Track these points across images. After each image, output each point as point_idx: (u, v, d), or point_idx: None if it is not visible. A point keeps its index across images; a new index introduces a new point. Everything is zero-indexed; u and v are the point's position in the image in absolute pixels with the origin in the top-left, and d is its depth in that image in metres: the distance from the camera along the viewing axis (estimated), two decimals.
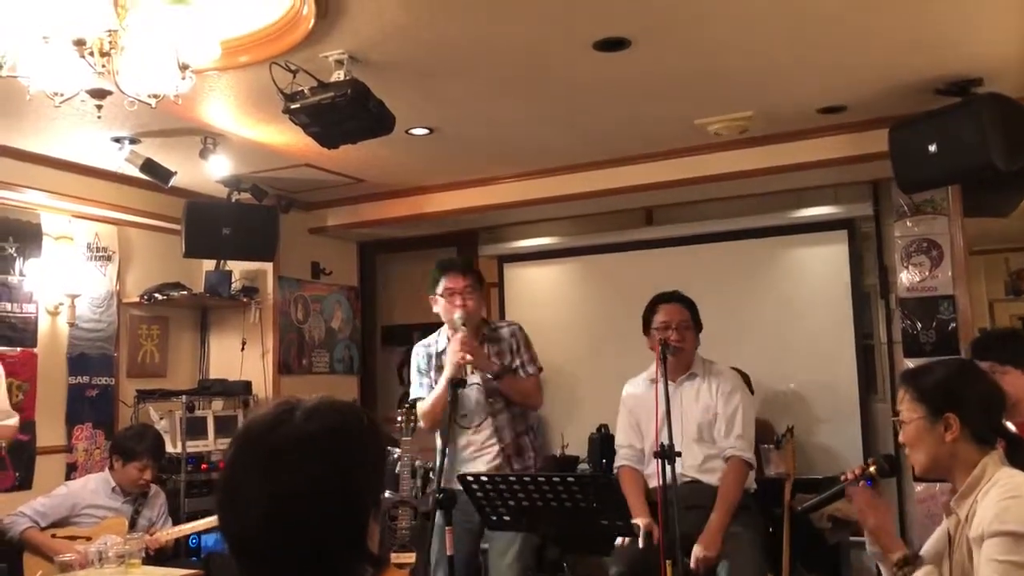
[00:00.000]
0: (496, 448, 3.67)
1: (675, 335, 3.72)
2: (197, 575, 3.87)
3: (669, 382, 3.71)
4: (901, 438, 2.23)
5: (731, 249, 5.46)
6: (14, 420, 3.98)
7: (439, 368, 3.73)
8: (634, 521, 3.34)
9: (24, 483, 4.62)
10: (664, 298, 3.90)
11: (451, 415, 3.63)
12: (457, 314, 3.61)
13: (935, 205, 4.80)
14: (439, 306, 3.74)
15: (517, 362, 3.75)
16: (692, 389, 3.78)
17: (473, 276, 3.73)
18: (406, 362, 6.54)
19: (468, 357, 3.52)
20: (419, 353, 3.88)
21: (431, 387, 3.76)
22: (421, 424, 3.88)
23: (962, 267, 4.70)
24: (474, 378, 3.65)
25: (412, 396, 3.91)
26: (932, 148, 3.84)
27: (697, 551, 3.41)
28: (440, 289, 3.71)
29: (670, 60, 3.63)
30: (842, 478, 2.29)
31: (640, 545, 3.42)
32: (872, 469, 2.24)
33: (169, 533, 4.24)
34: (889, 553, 2.15)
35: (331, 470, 1.24)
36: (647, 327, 3.88)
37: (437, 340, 3.83)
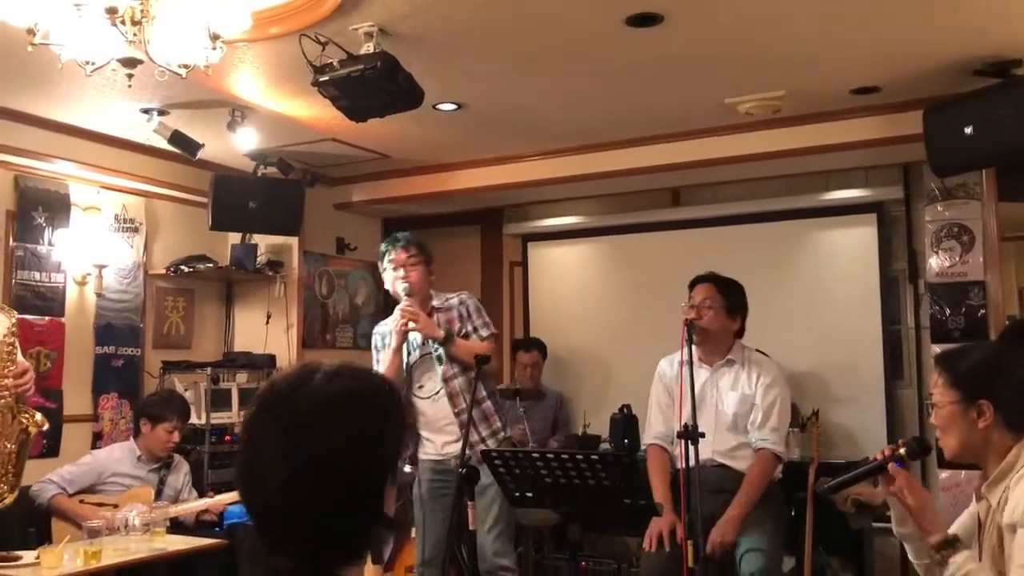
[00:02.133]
0: (450, 412, 3.72)
1: (694, 312, 3.67)
2: (220, 544, 3.91)
3: (706, 366, 3.70)
4: (933, 420, 2.20)
5: (758, 231, 5.41)
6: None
7: (389, 341, 3.81)
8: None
9: (51, 451, 4.67)
10: (699, 278, 3.83)
11: (408, 387, 3.74)
12: (402, 286, 3.71)
13: (967, 189, 4.73)
14: (387, 281, 3.84)
15: (468, 327, 3.80)
16: (730, 376, 3.69)
17: (416, 248, 3.81)
18: None
19: (411, 324, 3.64)
20: (377, 332, 3.94)
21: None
22: None
23: (994, 253, 4.63)
24: (426, 349, 3.75)
25: None
26: (968, 130, 3.77)
27: (714, 535, 3.40)
28: (385, 262, 3.82)
29: (703, 37, 3.58)
30: (871, 458, 2.26)
31: (666, 548, 3.41)
32: (902, 451, 2.21)
33: (210, 502, 4.26)
34: (928, 534, 2.12)
35: (351, 432, 1.24)
36: None
37: (394, 319, 3.85)
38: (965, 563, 2.03)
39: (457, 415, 3.69)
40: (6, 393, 3.46)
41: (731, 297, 3.73)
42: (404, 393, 3.71)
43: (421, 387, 3.78)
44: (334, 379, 1.27)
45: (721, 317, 3.69)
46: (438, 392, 3.74)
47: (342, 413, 1.25)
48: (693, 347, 3.62)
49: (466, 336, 3.77)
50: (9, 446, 3.39)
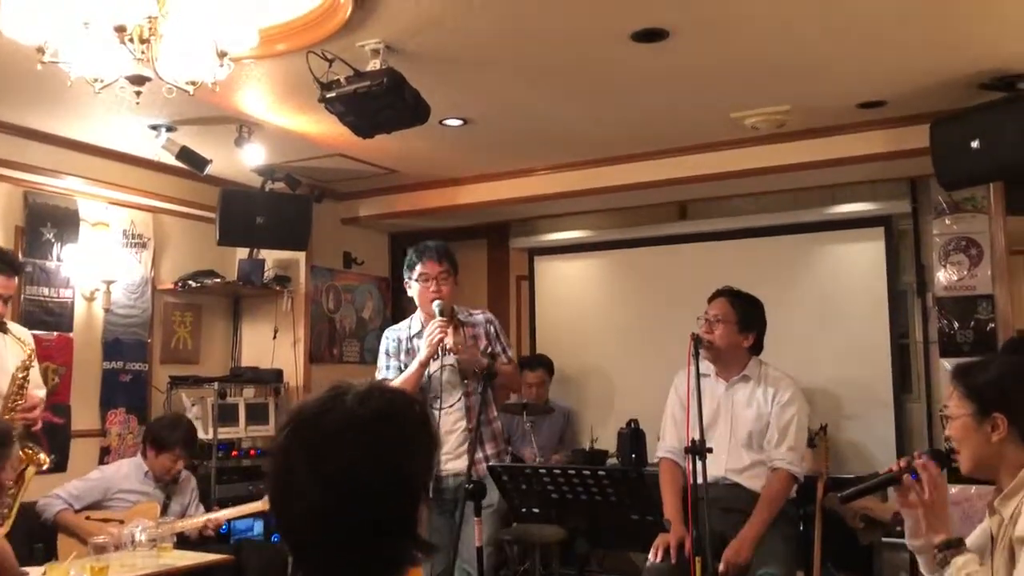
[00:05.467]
0: (463, 428, 3.66)
1: (705, 327, 3.64)
2: (227, 560, 3.90)
3: (722, 381, 3.66)
4: (947, 432, 2.19)
5: (766, 245, 5.41)
6: (42, 392, 4.02)
7: (408, 352, 3.75)
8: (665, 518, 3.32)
9: (59, 466, 4.66)
10: (717, 292, 3.79)
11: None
12: (436, 303, 3.63)
13: (975, 203, 4.72)
14: (413, 291, 3.74)
15: (497, 348, 3.76)
16: (745, 392, 3.63)
17: (448, 262, 3.73)
18: None
19: (449, 343, 3.56)
20: (389, 337, 3.84)
21: (399, 370, 3.73)
22: None
23: (1003, 266, 4.61)
24: (448, 359, 3.67)
25: (379, 378, 3.80)
26: (975, 144, 3.77)
27: (728, 555, 3.35)
28: (415, 274, 3.72)
29: (708, 52, 3.59)
30: (887, 469, 2.24)
31: (672, 560, 3.37)
32: (920, 463, 2.19)
33: (211, 517, 4.26)
34: (934, 533, 2.10)
35: (381, 455, 1.24)
36: None
37: (410, 325, 3.81)
38: (967, 564, 2.01)
39: (468, 430, 3.63)
40: (23, 423, 3.49)
41: (745, 313, 3.66)
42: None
43: (436, 398, 3.68)
44: (365, 400, 1.27)
45: (732, 333, 3.62)
46: (452, 405, 3.68)
47: (373, 434, 1.25)
48: (709, 363, 3.61)
49: (493, 356, 3.70)
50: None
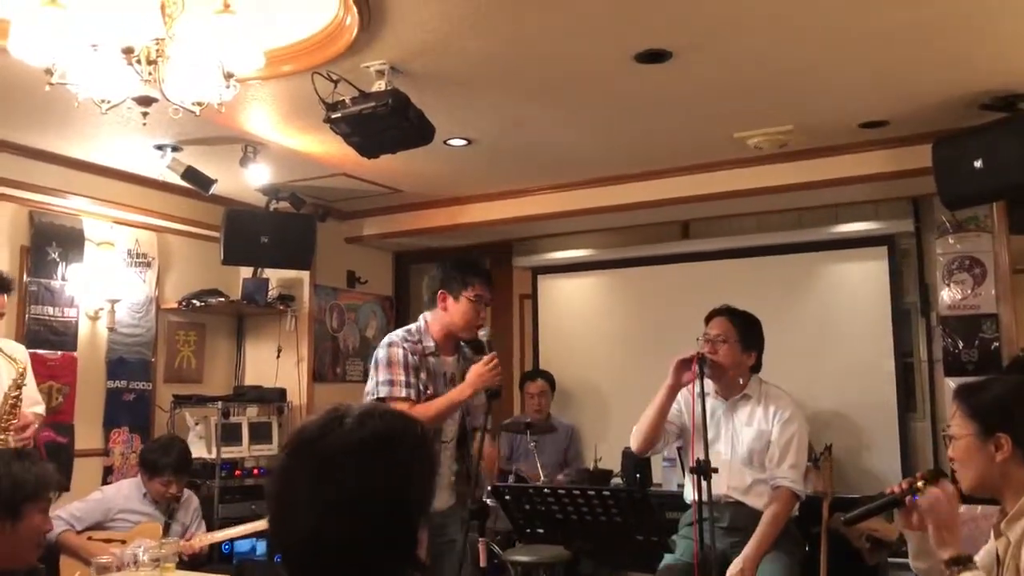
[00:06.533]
0: (457, 466, 3.40)
1: (709, 347, 3.64)
2: None
3: (723, 399, 3.66)
4: (950, 453, 2.17)
5: (769, 264, 5.40)
6: (41, 408, 4.01)
7: (422, 369, 3.34)
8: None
9: (62, 485, 4.66)
10: (715, 311, 3.79)
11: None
12: (483, 331, 3.39)
13: (978, 222, 4.72)
14: (458, 307, 3.36)
15: None
16: (745, 410, 3.63)
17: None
18: None
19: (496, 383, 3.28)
20: (404, 347, 3.33)
21: (419, 390, 3.29)
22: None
23: (1006, 285, 4.61)
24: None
25: (393, 395, 3.26)
26: (977, 164, 3.78)
27: (732, 572, 3.35)
28: (472, 292, 3.36)
29: (711, 73, 3.61)
30: (888, 491, 2.23)
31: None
32: (920, 484, 2.18)
33: (205, 538, 4.25)
34: (944, 548, 2.07)
35: (381, 477, 1.24)
36: None
37: (421, 339, 3.40)
38: None
39: (467, 466, 3.40)
40: (17, 443, 3.48)
41: (746, 331, 3.67)
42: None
43: (441, 430, 3.38)
44: (364, 422, 1.27)
45: (735, 352, 3.62)
46: (451, 440, 3.41)
47: (372, 457, 1.25)
48: (709, 381, 3.58)
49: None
50: None
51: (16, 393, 3.67)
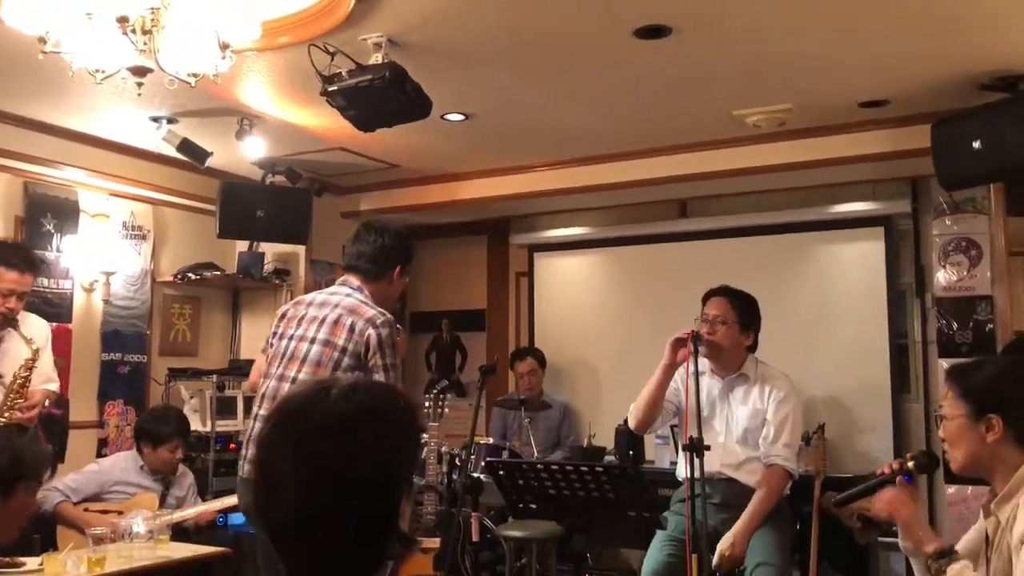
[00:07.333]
0: None
1: (708, 328, 3.65)
2: (224, 553, 3.90)
3: (720, 378, 3.69)
4: (941, 434, 2.19)
5: (765, 243, 5.40)
6: (55, 385, 4.02)
7: None
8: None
9: (57, 456, 4.68)
10: (713, 292, 3.80)
11: None
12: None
13: (976, 203, 4.72)
14: (399, 285, 3.37)
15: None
16: (742, 390, 3.67)
17: None
18: (434, 348, 6.64)
19: None
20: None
21: None
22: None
23: (1002, 267, 4.61)
24: None
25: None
26: (976, 145, 3.77)
27: (723, 546, 3.38)
28: (408, 270, 3.40)
29: (711, 50, 3.59)
30: (879, 472, 2.24)
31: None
32: (911, 464, 2.19)
33: (209, 507, 4.27)
34: (923, 546, 2.10)
35: (365, 450, 1.23)
36: None
37: None
38: (963, 571, 2.02)
39: None
40: (22, 420, 3.50)
41: (744, 312, 3.69)
42: None
43: None
44: (349, 395, 1.26)
45: (734, 332, 3.65)
46: None
47: (356, 430, 1.24)
48: (706, 360, 3.63)
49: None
50: None
51: (26, 374, 3.67)
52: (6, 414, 3.63)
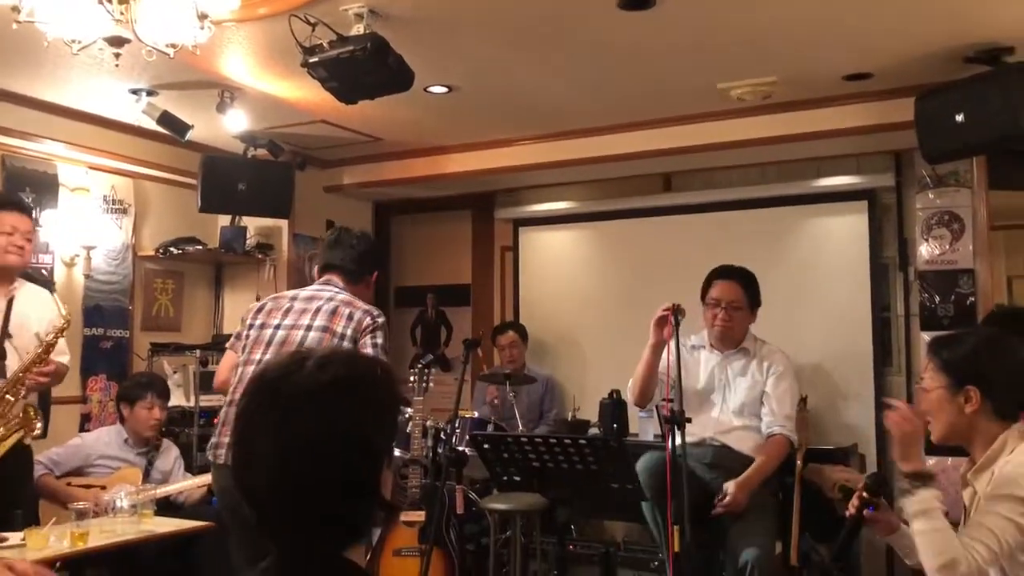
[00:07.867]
0: None
1: (723, 315, 3.76)
2: (208, 527, 3.90)
3: (716, 351, 3.82)
4: (922, 405, 2.22)
5: (749, 217, 5.40)
6: (66, 358, 3.93)
7: None
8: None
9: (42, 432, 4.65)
10: (721, 273, 3.87)
11: None
12: None
13: (958, 177, 4.73)
14: (370, 290, 3.48)
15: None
16: (740, 363, 3.80)
17: None
18: (419, 323, 6.63)
19: None
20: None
21: None
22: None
23: (984, 241, 4.64)
24: None
25: None
26: (959, 118, 3.77)
27: (729, 487, 3.46)
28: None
29: (695, 22, 3.57)
30: (847, 514, 2.29)
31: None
32: (866, 495, 2.24)
33: (188, 485, 4.26)
34: (905, 461, 2.13)
35: (343, 419, 1.24)
36: (704, 297, 3.87)
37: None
38: (930, 500, 2.05)
39: None
40: (32, 384, 3.46)
41: (754, 293, 3.86)
42: None
43: None
44: (325, 366, 1.27)
45: (748, 316, 3.85)
46: None
47: (332, 400, 1.24)
48: (705, 335, 3.82)
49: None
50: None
51: (53, 340, 3.54)
52: (28, 380, 3.53)
